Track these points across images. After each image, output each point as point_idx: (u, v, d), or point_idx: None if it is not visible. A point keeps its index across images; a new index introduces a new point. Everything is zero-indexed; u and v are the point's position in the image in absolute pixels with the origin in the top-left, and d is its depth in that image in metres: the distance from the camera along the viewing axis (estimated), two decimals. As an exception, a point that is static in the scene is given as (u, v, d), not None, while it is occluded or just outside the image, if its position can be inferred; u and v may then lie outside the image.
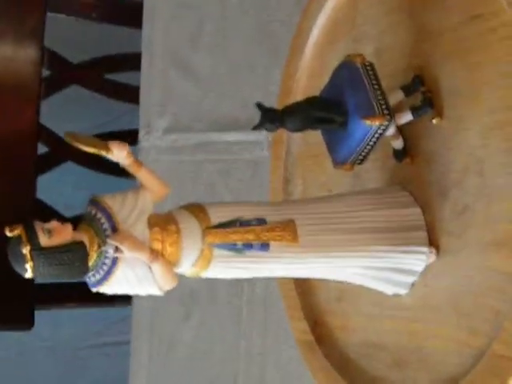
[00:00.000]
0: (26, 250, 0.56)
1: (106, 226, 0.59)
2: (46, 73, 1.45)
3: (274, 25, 0.95)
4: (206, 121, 1.05)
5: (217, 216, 0.61)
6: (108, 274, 0.60)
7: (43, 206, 1.49)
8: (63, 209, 1.51)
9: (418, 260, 0.65)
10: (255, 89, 0.97)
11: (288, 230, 0.62)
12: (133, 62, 1.31)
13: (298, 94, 0.78)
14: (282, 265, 0.63)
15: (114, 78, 1.49)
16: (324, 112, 0.62)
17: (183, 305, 1.06)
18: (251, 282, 0.94)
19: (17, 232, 0.57)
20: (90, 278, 0.61)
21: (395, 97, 0.65)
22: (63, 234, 0.58)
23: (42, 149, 1.46)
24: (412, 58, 0.66)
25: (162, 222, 0.60)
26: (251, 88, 0.97)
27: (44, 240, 0.57)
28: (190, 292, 1.05)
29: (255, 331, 0.94)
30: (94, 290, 0.61)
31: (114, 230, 0.59)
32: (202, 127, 1.05)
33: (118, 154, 0.60)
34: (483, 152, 0.61)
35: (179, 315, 1.07)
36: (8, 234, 0.57)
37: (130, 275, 0.60)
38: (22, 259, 0.57)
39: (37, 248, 0.56)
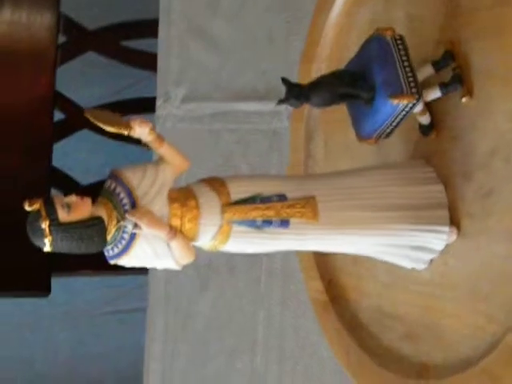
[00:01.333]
0: (44, 225, 0.56)
1: (125, 201, 0.59)
2: (62, 39, 1.44)
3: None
4: (224, 90, 1.04)
5: (237, 191, 0.61)
6: (126, 248, 0.60)
7: (59, 173, 1.49)
8: (79, 176, 1.51)
9: (439, 239, 0.64)
10: (274, 58, 0.96)
11: (308, 206, 0.61)
12: (149, 28, 1.30)
13: (323, 58, 0.76)
14: (301, 241, 0.63)
15: (130, 44, 1.48)
16: (350, 88, 0.61)
17: (200, 275, 1.06)
18: (270, 253, 0.94)
19: (36, 206, 0.56)
20: (109, 251, 0.61)
21: (424, 72, 0.63)
22: (82, 210, 0.57)
23: (58, 116, 1.46)
24: (444, 30, 0.64)
25: (182, 197, 0.60)
26: (270, 57, 0.96)
27: (63, 215, 0.57)
28: (207, 262, 1.05)
29: (274, 302, 0.94)
30: (112, 262, 0.61)
31: (133, 205, 0.59)
32: (220, 96, 1.04)
33: (140, 131, 0.59)
34: None
35: (196, 285, 1.07)
36: (27, 208, 0.56)
37: (148, 250, 0.60)
38: (41, 234, 0.57)
39: (55, 223, 0.56)
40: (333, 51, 0.76)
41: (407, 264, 0.67)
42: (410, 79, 0.61)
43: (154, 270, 1.16)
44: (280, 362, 0.92)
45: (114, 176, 0.60)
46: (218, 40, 1.05)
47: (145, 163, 0.60)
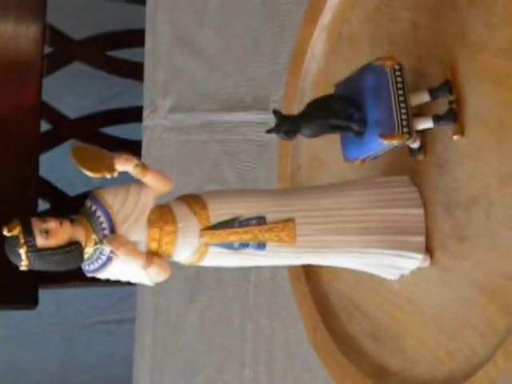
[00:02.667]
0: (22, 251, 0.57)
1: (105, 225, 0.60)
2: (48, 50, 1.44)
3: (280, 1, 0.93)
4: (211, 100, 1.03)
5: (217, 214, 0.61)
6: (102, 266, 0.61)
7: (46, 184, 1.48)
8: (66, 186, 1.51)
9: (412, 263, 0.65)
10: (261, 67, 0.95)
11: (286, 230, 0.62)
12: (136, 38, 1.30)
13: (310, 72, 0.76)
14: (276, 260, 0.64)
15: (116, 54, 1.48)
16: (342, 120, 0.61)
17: (189, 286, 1.05)
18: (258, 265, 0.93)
19: (14, 232, 0.57)
20: (85, 266, 0.62)
21: (420, 97, 0.62)
22: (60, 235, 0.58)
23: (44, 126, 1.45)
24: (449, 52, 0.62)
25: (161, 220, 0.60)
26: (257, 66, 0.96)
27: (41, 241, 0.58)
28: (195, 273, 1.04)
29: (263, 314, 0.93)
30: (89, 275, 0.62)
31: (112, 230, 0.59)
32: (207, 107, 1.04)
33: (125, 168, 0.60)
34: (496, 195, 0.59)
35: (184, 297, 1.06)
36: (5, 233, 0.58)
37: (124, 270, 0.61)
38: (19, 258, 0.58)
39: (33, 250, 0.57)
40: (322, 63, 0.75)
41: (378, 273, 0.67)
42: (403, 117, 0.61)
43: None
44: (269, 374, 0.91)
45: (95, 198, 0.60)
46: (204, 50, 1.05)
47: (128, 185, 0.60)
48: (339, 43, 0.72)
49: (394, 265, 0.65)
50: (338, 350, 0.72)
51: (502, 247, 0.59)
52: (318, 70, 0.75)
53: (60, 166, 1.61)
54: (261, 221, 0.62)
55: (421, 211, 0.64)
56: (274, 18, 0.94)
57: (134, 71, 1.42)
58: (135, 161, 0.60)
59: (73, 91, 1.69)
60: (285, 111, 0.77)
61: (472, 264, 0.61)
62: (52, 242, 0.58)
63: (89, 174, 0.59)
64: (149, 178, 0.60)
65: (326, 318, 0.74)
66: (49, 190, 1.49)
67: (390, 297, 0.68)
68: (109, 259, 0.60)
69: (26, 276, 1.38)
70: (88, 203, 0.60)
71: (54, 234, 0.58)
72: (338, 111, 0.61)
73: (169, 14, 1.14)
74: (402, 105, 0.61)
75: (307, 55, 0.74)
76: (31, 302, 1.42)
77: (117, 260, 0.60)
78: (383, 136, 0.60)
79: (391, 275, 0.67)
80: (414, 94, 0.62)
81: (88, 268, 0.61)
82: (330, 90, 0.66)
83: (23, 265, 0.58)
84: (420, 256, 0.64)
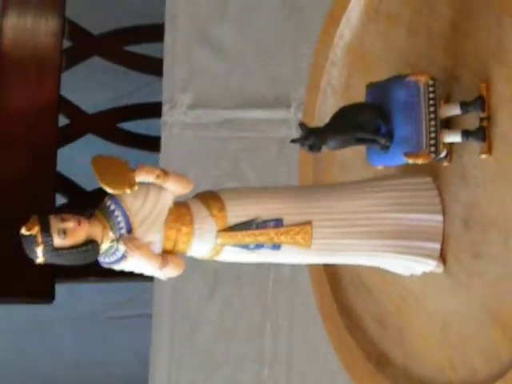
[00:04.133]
0: (39, 249, 0.58)
1: (122, 225, 0.60)
2: (66, 44, 1.43)
3: (302, -1, 0.93)
4: (231, 97, 1.03)
5: (235, 215, 0.61)
6: (117, 261, 0.61)
7: (64, 179, 1.48)
8: (84, 181, 1.50)
9: (425, 268, 0.65)
10: (283, 65, 0.95)
11: (303, 233, 0.62)
12: (155, 33, 1.29)
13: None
14: (290, 260, 0.64)
15: (135, 49, 1.47)
16: (369, 134, 0.60)
17: (206, 283, 1.05)
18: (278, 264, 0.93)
19: (32, 232, 0.58)
20: (100, 258, 0.62)
21: (451, 110, 0.61)
22: (78, 235, 0.59)
23: (62, 121, 1.45)
24: (483, 68, 0.61)
25: (179, 222, 0.60)
26: (279, 64, 0.95)
27: (58, 241, 0.58)
28: (213, 271, 1.04)
29: (281, 311, 0.93)
30: (104, 266, 0.63)
31: (129, 231, 0.60)
32: (227, 104, 1.03)
33: (146, 179, 0.60)
34: None
35: (202, 294, 1.06)
36: (24, 232, 0.58)
37: (138, 266, 0.61)
38: (35, 255, 0.59)
39: (50, 249, 0.58)
40: (357, 31, 0.73)
41: (390, 269, 0.67)
42: (432, 135, 0.60)
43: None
44: (288, 374, 0.91)
45: (114, 198, 0.60)
46: (225, 46, 1.04)
47: (148, 186, 0.60)
48: (377, 17, 0.71)
49: (406, 266, 0.65)
50: (344, 323, 0.72)
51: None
52: (352, 38, 0.73)
53: (77, 160, 1.61)
54: (278, 223, 0.62)
55: (440, 217, 0.64)
56: (295, 16, 0.93)
57: (153, 67, 1.41)
58: (156, 171, 0.60)
59: (91, 86, 1.69)
60: (312, 78, 0.76)
61: (483, 284, 0.61)
62: (69, 241, 0.58)
63: (109, 190, 0.59)
64: (170, 184, 0.60)
65: (334, 287, 0.74)
66: (66, 185, 1.48)
67: (398, 289, 0.68)
68: (123, 257, 0.60)
69: (42, 270, 1.39)
70: (107, 201, 0.60)
71: (71, 233, 0.58)
72: (365, 123, 0.60)
73: (189, 10, 1.13)
74: (432, 123, 0.60)
75: (342, 21, 0.73)
76: (47, 296, 1.41)
77: (131, 258, 0.60)
78: (408, 155, 0.60)
79: (402, 272, 0.66)
80: (445, 105, 0.61)
81: (103, 260, 0.61)
82: (362, 60, 0.66)
83: (40, 261, 0.59)
84: (434, 263, 0.64)
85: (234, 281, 1.00)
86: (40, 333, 1.77)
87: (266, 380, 0.94)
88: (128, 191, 0.59)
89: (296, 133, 0.91)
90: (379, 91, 0.62)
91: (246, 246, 0.61)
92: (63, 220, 0.58)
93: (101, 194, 1.59)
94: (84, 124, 1.46)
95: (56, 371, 1.80)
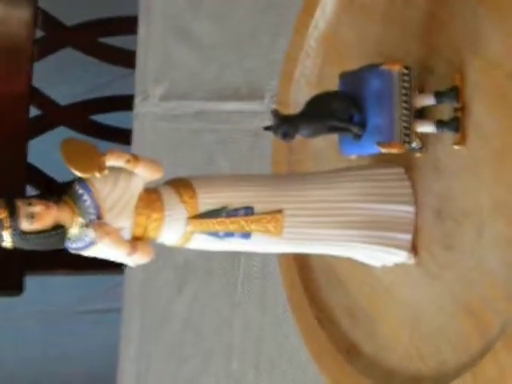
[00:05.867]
0: (6, 233, 0.57)
1: (91, 210, 0.59)
2: (39, 34, 1.42)
3: (278, -9, 0.92)
4: (205, 89, 1.02)
5: (206, 202, 0.61)
6: (86, 247, 0.60)
7: (35, 171, 1.46)
8: (55, 173, 1.49)
9: (396, 259, 0.64)
10: (258, 57, 0.94)
11: (274, 221, 0.61)
12: (128, 25, 1.28)
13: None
14: (260, 249, 0.64)
15: (108, 41, 1.46)
16: (341, 122, 0.60)
17: (177, 276, 1.04)
18: (249, 254, 0.92)
19: (0, 216, 0.57)
20: (68, 244, 0.61)
21: (425, 100, 0.61)
22: (45, 219, 0.58)
23: (34, 112, 1.43)
24: (458, 59, 0.60)
25: (149, 208, 0.60)
26: (254, 56, 0.95)
27: (26, 225, 0.57)
28: (183, 263, 1.03)
29: (251, 306, 0.92)
30: (72, 252, 0.62)
31: (99, 216, 0.59)
32: (200, 95, 1.03)
33: (115, 164, 0.59)
34: (489, 219, 0.58)
35: (172, 287, 1.05)
36: None
37: (107, 252, 0.60)
38: (2, 239, 0.58)
39: (17, 233, 0.57)
40: (332, 21, 0.73)
41: (361, 260, 0.66)
42: (405, 125, 0.60)
43: (131, 270, 1.15)
44: (257, 366, 0.90)
45: (83, 182, 0.59)
46: (199, 38, 1.04)
47: (118, 171, 0.60)
48: (351, 7, 0.70)
49: (377, 257, 0.65)
50: (314, 315, 0.72)
51: (487, 273, 0.58)
52: (326, 28, 0.72)
53: (49, 152, 1.59)
54: (248, 211, 0.61)
55: (412, 208, 0.63)
56: (272, 8, 0.93)
57: (127, 59, 1.40)
58: (126, 156, 0.59)
59: (64, 77, 1.67)
60: (287, 68, 0.76)
61: (455, 277, 0.60)
62: (37, 225, 0.58)
63: (77, 173, 0.58)
64: (140, 169, 0.60)
65: (304, 278, 0.74)
66: (37, 177, 1.47)
67: (370, 280, 0.68)
68: (92, 242, 0.59)
69: (12, 262, 1.38)
70: (76, 186, 0.60)
71: (39, 218, 0.58)
72: (338, 112, 0.60)
73: (163, 1, 1.13)
74: (405, 112, 0.60)
75: (317, 11, 0.72)
76: (16, 289, 1.40)
77: (100, 244, 0.59)
78: (381, 144, 0.60)
79: (374, 263, 0.66)
80: (419, 95, 0.61)
81: (71, 245, 0.61)
82: (336, 50, 0.65)
83: (7, 245, 0.58)
84: (405, 254, 0.64)
85: (204, 274, 0.99)
86: (8, 326, 1.76)
87: (234, 372, 0.93)
88: (97, 175, 0.58)
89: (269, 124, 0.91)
90: (352, 80, 0.62)
91: (215, 234, 0.61)
92: (31, 204, 0.58)
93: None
94: (56, 116, 1.45)
95: (24, 365, 1.78)
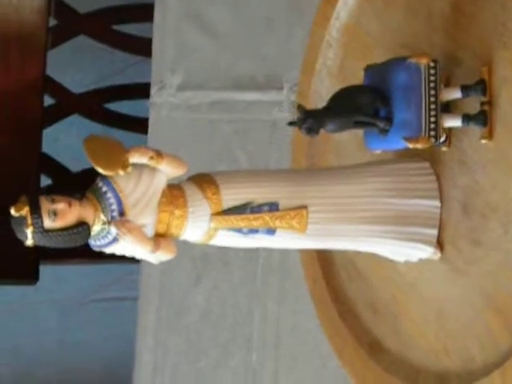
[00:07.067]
0: (28, 231, 0.57)
1: (114, 207, 0.58)
2: (52, 22, 1.41)
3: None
4: (222, 79, 1.01)
5: (229, 198, 0.60)
6: (108, 244, 0.60)
7: (49, 160, 1.46)
8: (69, 162, 1.48)
9: (421, 254, 0.63)
10: (275, 46, 0.93)
11: (298, 218, 0.61)
12: (144, 13, 1.27)
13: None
14: (284, 245, 0.63)
15: (123, 29, 1.45)
16: (368, 117, 0.59)
17: (195, 267, 1.03)
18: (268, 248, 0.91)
19: (22, 213, 0.56)
20: (91, 241, 0.61)
21: (451, 94, 0.60)
22: (68, 217, 0.57)
23: (48, 101, 1.42)
24: (486, 51, 0.59)
25: (172, 205, 0.59)
26: (271, 45, 0.93)
27: (48, 223, 0.57)
28: (202, 255, 1.02)
29: (270, 297, 0.92)
30: (94, 249, 0.61)
31: (122, 213, 0.58)
32: (217, 85, 1.02)
33: (139, 161, 0.59)
34: None
35: (190, 277, 1.04)
36: (13, 213, 0.57)
37: (129, 249, 0.60)
38: (24, 236, 0.57)
39: (40, 231, 0.57)
40: (354, 12, 0.71)
41: (385, 255, 0.66)
42: (432, 119, 0.59)
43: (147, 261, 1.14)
44: (276, 359, 0.90)
45: (106, 180, 0.59)
46: (216, 26, 1.02)
47: (141, 167, 0.59)
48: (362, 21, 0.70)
49: (402, 252, 0.64)
50: (336, 309, 0.71)
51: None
52: (348, 19, 0.71)
53: (63, 141, 1.59)
54: (273, 207, 0.60)
55: (437, 203, 0.62)
56: (290, -4, 0.92)
57: (141, 47, 1.40)
58: (150, 153, 0.58)
59: (77, 65, 1.66)
60: (308, 59, 0.75)
61: (482, 272, 0.60)
62: (59, 223, 0.57)
63: (102, 171, 0.58)
64: (164, 166, 0.59)
65: (327, 272, 0.73)
66: (51, 166, 1.46)
67: (393, 275, 0.67)
68: (115, 240, 0.59)
69: (27, 251, 1.37)
70: (99, 183, 0.59)
71: (61, 215, 0.57)
72: (364, 106, 0.59)
73: (179, -12, 1.11)
74: (433, 106, 0.59)
75: (338, 2, 0.71)
76: (31, 277, 1.40)
77: (123, 242, 0.59)
78: (408, 139, 0.59)
79: (398, 258, 0.65)
80: (446, 88, 0.60)
81: (94, 243, 0.60)
82: (358, 41, 0.64)
83: (29, 243, 0.58)
84: (430, 249, 0.63)
85: (223, 265, 0.99)
86: (24, 315, 1.76)
87: (253, 365, 0.93)
88: (121, 173, 0.57)
89: (289, 115, 0.90)
90: (378, 73, 0.60)
91: (240, 231, 0.60)
92: (53, 201, 0.57)
93: (87, 175, 1.57)
94: (70, 104, 1.44)
95: (39, 353, 1.78)
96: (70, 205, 0.57)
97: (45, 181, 1.44)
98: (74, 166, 1.47)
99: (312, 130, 0.59)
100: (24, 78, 1.38)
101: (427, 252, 0.63)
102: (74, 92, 1.45)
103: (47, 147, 1.42)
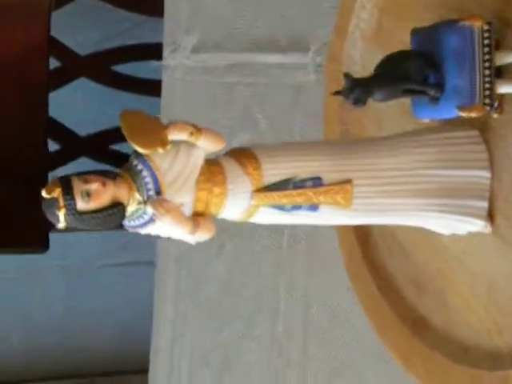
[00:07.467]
0: (61, 213, 0.53)
1: (150, 186, 0.55)
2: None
3: None
4: (239, 40, 0.97)
5: (270, 173, 0.57)
6: (144, 225, 0.56)
7: (56, 124, 1.42)
8: (75, 126, 1.45)
9: (471, 228, 0.60)
10: (298, 4, 0.89)
11: (342, 192, 0.57)
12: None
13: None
14: (328, 221, 0.60)
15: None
16: (418, 84, 0.55)
17: (216, 236, 1.00)
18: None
19: (54, 195, 0.53)
20: (125, 222, 0.57)
21: (505, 58, 0.56)
22: (102, 197, 0.54)
23: (53, 63, 1.38)
24: None
25: (211, 182, 0.56)
26: (293, 4, 0.89)
27: (81, 204, 0.54)
28: (223, 221, 0.99)
29: (297, 268, 0.88)
30: (129, 230, 0.58)
31: (158, 192, 0.55)
32: (235, 47, 0.97)
33: (178, 138, 0.55)
34: None
35: (211, 247, 1.01)
36: (44, 195, 0.53)
37: (167, 229, 0.56)
38: (56, 219, 0.54)
39: (73, 213, 0.54)
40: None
41: (431, 228, 0.62)
42: (487, 86, 0.55)
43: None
44: (305, 331, 0.87)
45: (141, 157, 0.55)
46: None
47: (178, 144, 0.55)
48: None
49: (450, 226, 0.61)
50: (375, 283, 0.68)
51: None
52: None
53: (69, 105, 1.55)
54: (316, 182, 0.57)
55: (488, 174, 0.59)
56: None
57: (149, 5, 1.36)
58: (190, 128, 0.55)
59: (84, 26, 1.62)
60: (339, 21, 0.71)
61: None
62: (93, 204, 0.54)
63: (140, 149, 0.54)
64: (202, 141, 0.56)
65: (364, 245, 0.70)
66: (58, 130, 1.43)
67: (439, 248, 0.63)
68: (151, 220, 0.56)
69: (35, 219, 1.34)
70: (134, 160, 0.56)
71: (95, 196, 0.54)
72: (413, 73, 0.55)
73: None
74: (487, 72, 0.55)
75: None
76: (42, 246, 1.37)
77: (160, 222, 0.55)
78: (461, 108, 0.55)
79: (444, 232, 0.62)
80: (497, 52, 0.56)
81: (128, 224, 0.57)
82: (395, 1, 0.59)
83: (61, 226, 0.54)
84: (481, 222, 0.60)
85: (246, 234, 0.96)
86: (32, 281, 1.73)
87: (280, 336, 0.90)
88: (160, 151, 0.54)
89: (315, 79, 0.86)
90: (427, 37, 0.57)
91: (282, 208, 0.57)
92: (86, 181, 0.53)
93: (94, 140, 1.53)
94: (76, 66, 1.41)
95: (47, 319, 1.76)
96: (104, 184, 0.54)
97: (52, 146, 1.41)
98: (82, 130, 1.44)
99: (360, 101, 0.55)
100: (28, 40, 1.34)
101: (477, 225, 0.59)
102: (80, 54, 1.41)
103: (53, 111, 1.39)
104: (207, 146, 0.56)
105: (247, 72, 0.95)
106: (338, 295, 0.81)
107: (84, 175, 0.54)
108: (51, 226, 1.38)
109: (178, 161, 0.55)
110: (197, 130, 0.55)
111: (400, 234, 0.67)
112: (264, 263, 0.93)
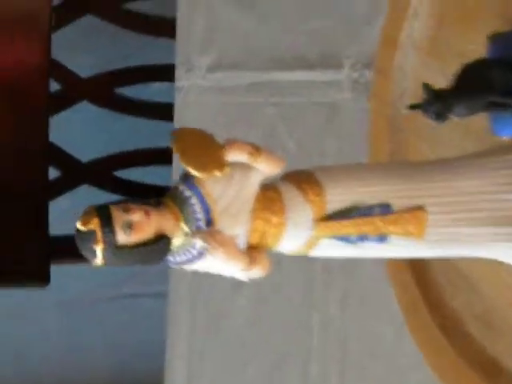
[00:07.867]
0: (98, 248, 0.47)
1: (200, 216, 0.49)
2: (57, 1, 1.30)
3: None
4: (261, 57, 0.91)
5: (335, 200, 0.50)
6: (191, 260, 0.50)
7: (56, 150, 1.36)
8: (77, 152, 1.39)
9: None
10: (326, 17, 0.83)
11: (415, 221, 0.51)
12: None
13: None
14: (395, 254, 0.53)
15: (133, 7, 1.35)
16: (502, 97, 0.49)
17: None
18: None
19: (91, 227, 0.47)
20: (169, 258, 0.50)
21: None
22: (145, 229, 0.48)
23: (54, 86, 1.32)
24: None
25: (268, 211, 0.49)
26: (322, 15, 0.83)
27: (122, 237, 0.47)
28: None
29: (331, 302, 0.82)
30: (172, 266, 0.51)
31: (209, 223, 0.49)
32: (256, 65, 0.91)
33: (237, 160, 0.49)
34: None
35: (229, 282, 0.94)
36: (80, 227, 0.47)
37: (217, 266, 0.50)
38: (93, 255, 0.48)
39: (112, 248, 0.47)
40: (435, 7, 0.62)
41: (504, 259, 0.55)
42: None
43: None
44: (342, 371, 0.80)
45: (190, 182, 0.49)
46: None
47: (233, 165, 0.49)
48: None
49: None
50: (435, 322, 0.62)
51: None
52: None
53: (71, 129, 1.49)
54: (385, 210, 0.51)
55: None
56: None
57: (153, 26, 1.31)
58: (249, 148, 0.49)
59: (85, 48, 1.56)
60: (387, 31, 0.65)
61: None
62: (135, 237, 0.47)
63: (195, 172, 0.48)
64: (261, 163, 0.49)
65: (421, 279, 0.64)
66: (59, 157, 1.36)
67: (509, 281, 0.58)
68: (201, 254, 0.49)
69: (37, 253, 1.28)
70: (180, 186, 0.49)
71: (138, 228, 0.47)
72: (498, 83, 0.49)
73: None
74: None
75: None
76: (43, 280, 1.31)
77: (212, 257, 0.49)
78: None
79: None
80: None
81: (173, 260, 0.50)
82: (455, 5, 0.54)
83: (98, 262, 0.48)
84: None
85: (273, 264, 0.89)
86: (30, 319, 1.66)
87: (313, 378, 0.83)
88: (218, 174, 0.47)
89: (350, 96, 0.80)
90: (507, 43, 0.50)
91: (346, 239, 0.50)
92: (128, 211, 0.47)
93: (97, 166, 1.46)
94: (78, 89, 1.34)
95: (45, 359, 1.69)
96: (147, 215, 0.47)
97: (53, 173, 1.35)
98: (84, 156, 1.38)
99: (441, 115, 0.49)
100: (28, 61, 1.29)
101: None
102: (82, 76, 1.35)
103: (53, 136, 1.32)
104: (265, 168, 0.49)
105: (271, 91, 0.89)
106: (378, 328, 0.75)
107: (123, 204, 0.47)
108: (54, 258, 1.32)
109: (232, 186, 0.48)
110: (256, 149, 0.48)
111: (465, 268, 0.60)
112: (293, 296, 0.86)
